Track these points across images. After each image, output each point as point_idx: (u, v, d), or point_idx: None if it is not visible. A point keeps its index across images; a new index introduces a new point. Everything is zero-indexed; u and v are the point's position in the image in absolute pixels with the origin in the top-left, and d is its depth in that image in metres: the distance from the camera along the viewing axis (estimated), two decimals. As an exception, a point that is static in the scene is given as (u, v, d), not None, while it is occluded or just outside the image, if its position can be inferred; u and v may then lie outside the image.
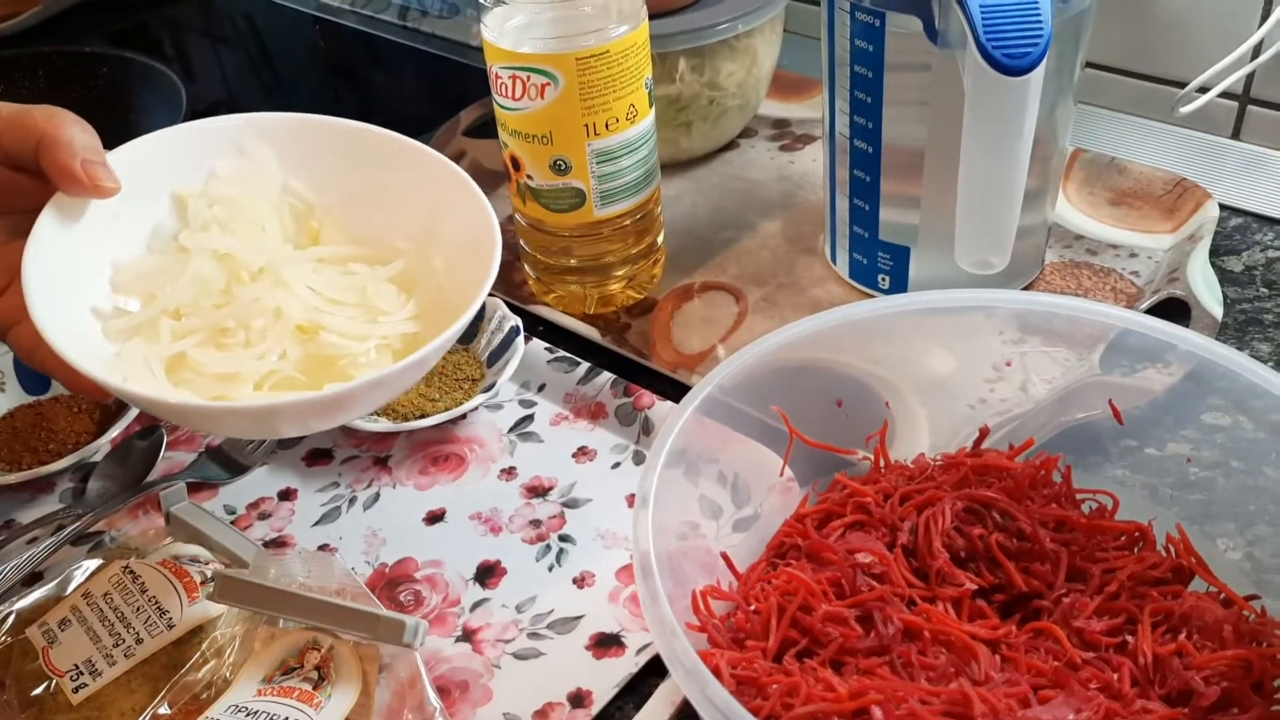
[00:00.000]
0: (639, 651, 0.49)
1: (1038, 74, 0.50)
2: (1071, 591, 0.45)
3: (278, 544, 0.56)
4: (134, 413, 0.61)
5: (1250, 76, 0.74)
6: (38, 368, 0.45)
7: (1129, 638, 0.43)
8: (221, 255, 0.48)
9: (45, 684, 0.46)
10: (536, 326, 0.68)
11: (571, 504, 0.57)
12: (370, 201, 0.52)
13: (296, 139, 0.52)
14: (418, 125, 0.86)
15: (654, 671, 0.48)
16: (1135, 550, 0.48)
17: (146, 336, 0.46)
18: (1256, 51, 0.72)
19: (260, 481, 0.60)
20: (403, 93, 1.02)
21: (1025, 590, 0.46)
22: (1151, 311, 0.59)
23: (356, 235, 0.52)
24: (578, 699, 0.48)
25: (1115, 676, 0.41)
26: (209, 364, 0.45)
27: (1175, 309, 0.60)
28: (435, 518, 0.57)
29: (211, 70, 1.10)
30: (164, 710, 0.45)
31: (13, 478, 0.58)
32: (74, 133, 0.45)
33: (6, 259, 0.46)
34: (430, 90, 1.01)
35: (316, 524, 0.57)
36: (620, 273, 0.67)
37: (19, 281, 0.43)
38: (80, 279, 0.46)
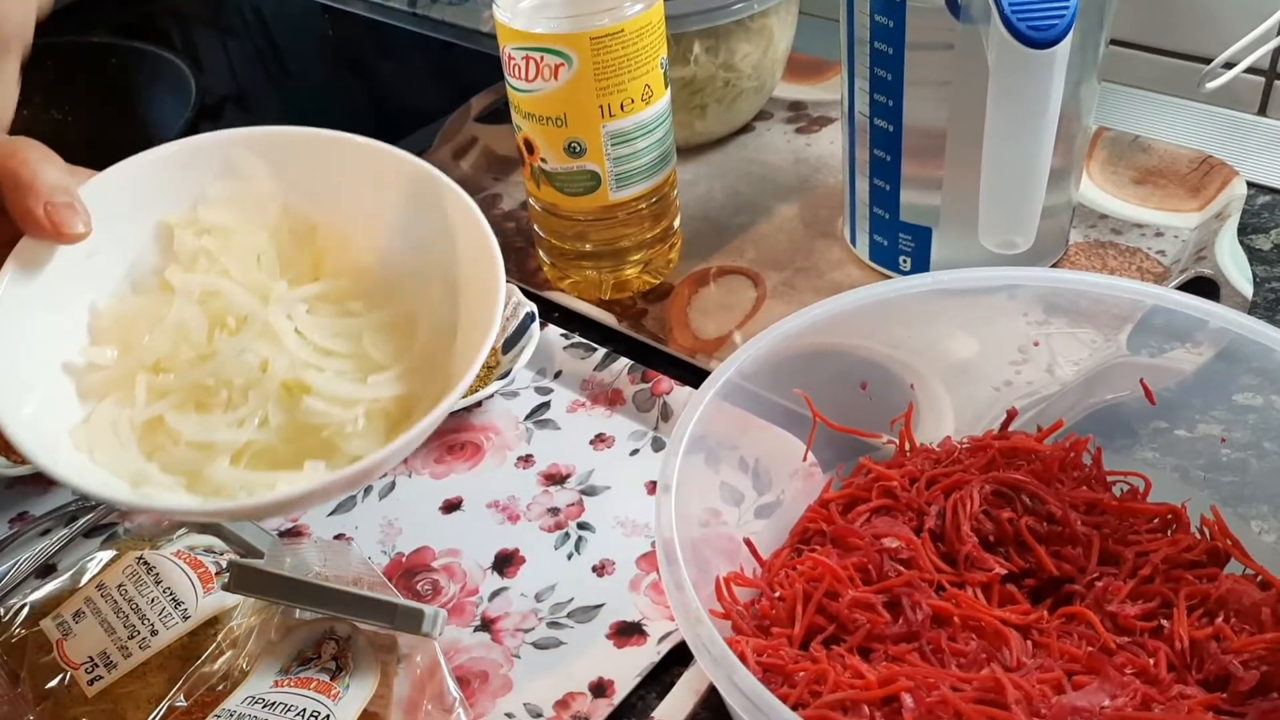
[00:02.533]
0: (661, 640, 0.48)
1: (1063, 47, 0.49)
2: (1104, 575, 0.44)
3: (293, 534, 0.55)
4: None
5: (1277, 51, 0.72)
6: None
7: (1164, 622, 0.42)
8: (208, 295, 0.45)
9: (60, 676, 0.46)
10: (552, 313, 0.67)
11: (590, 491, 0.56)
12: (369, 221, 0.48)
13: (292, 154, 0.47)
14: (428, 113, 0.86)
15: (676, 660, 0.48)
16: (1168, 533, 0.46)
17: (120, 398, 0.43)
18: (1283, 26, 0.70)
19: (274, 471, 0.59)
20: (412, 81, 1.01)
21: (1056, 574, 0.45)
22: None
23: (356, 262, 0.48)
24: (599, 688, 0.47)
25: (1151, 661, 0.40)
26: (185, 430, 0.42)
27: (1203, 289, 0.59)
28: (452, 506, 0.56)
29: (220, 60, 1.10)
30: (180, 702, 0.45)
31: (25, 469, 0.57)
32: (38, 170, 0.40)
33: None
34: (440, 78, 1.00)
35: (332, 514, 0.56)
36: (636, 257, 0.66)
37: None
38: (51, 334, 0.42)
